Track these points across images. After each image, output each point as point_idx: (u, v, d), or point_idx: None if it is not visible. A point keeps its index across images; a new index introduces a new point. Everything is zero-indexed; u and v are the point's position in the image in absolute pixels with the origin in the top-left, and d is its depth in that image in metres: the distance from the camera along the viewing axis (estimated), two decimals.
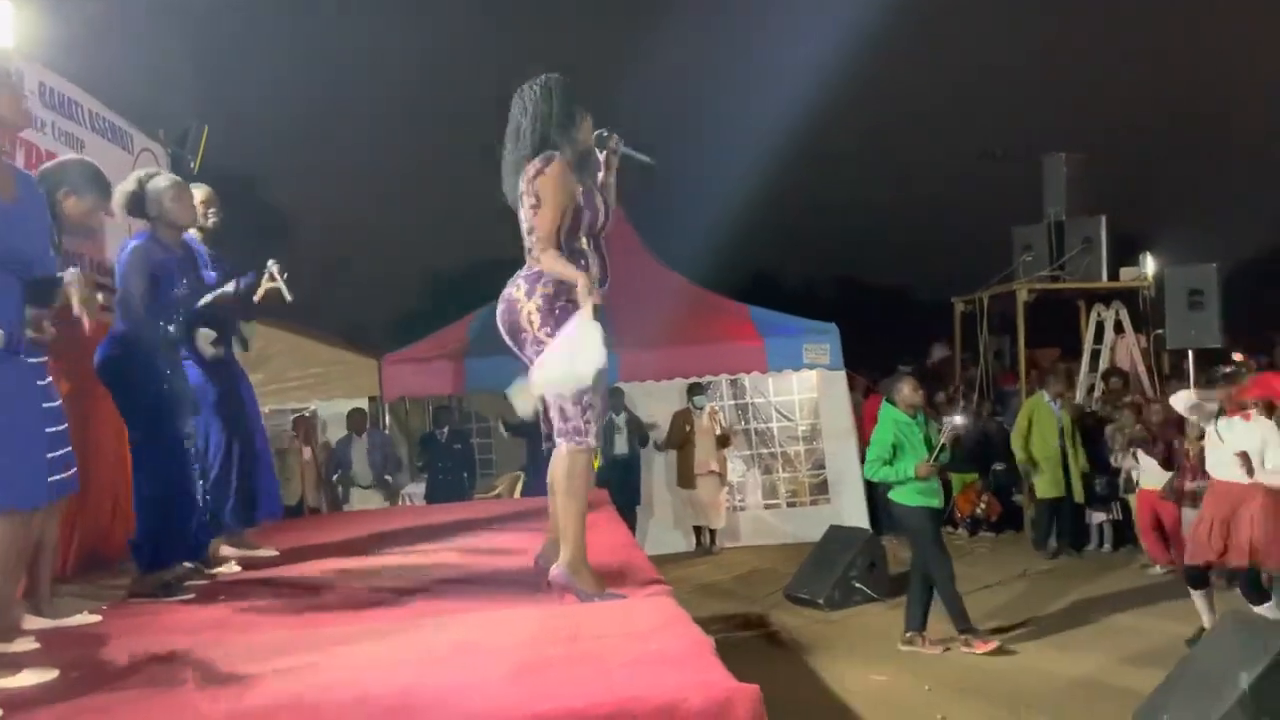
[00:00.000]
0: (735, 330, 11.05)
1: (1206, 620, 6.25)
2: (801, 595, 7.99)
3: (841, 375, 10.95)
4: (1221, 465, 6.08)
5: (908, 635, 6.63)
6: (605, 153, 3.64)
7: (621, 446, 10.11)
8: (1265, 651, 4.56)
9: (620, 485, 9.48)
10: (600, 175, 3.66)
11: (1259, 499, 5.86)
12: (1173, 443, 7.75)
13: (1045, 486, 9.43)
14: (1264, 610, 5.88)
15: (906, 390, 6.69)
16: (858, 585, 7.90)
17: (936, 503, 6.63)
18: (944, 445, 6.65)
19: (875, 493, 10.80)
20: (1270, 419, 6.10)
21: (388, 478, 10.08)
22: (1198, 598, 6.36)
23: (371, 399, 10.30)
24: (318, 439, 10.00)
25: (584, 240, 3.50)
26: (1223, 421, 6.14)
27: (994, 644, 6.42)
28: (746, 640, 7.08)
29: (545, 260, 3.37)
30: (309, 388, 9.93)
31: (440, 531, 5.27)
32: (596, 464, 10.09)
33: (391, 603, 3.61)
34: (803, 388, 11.11)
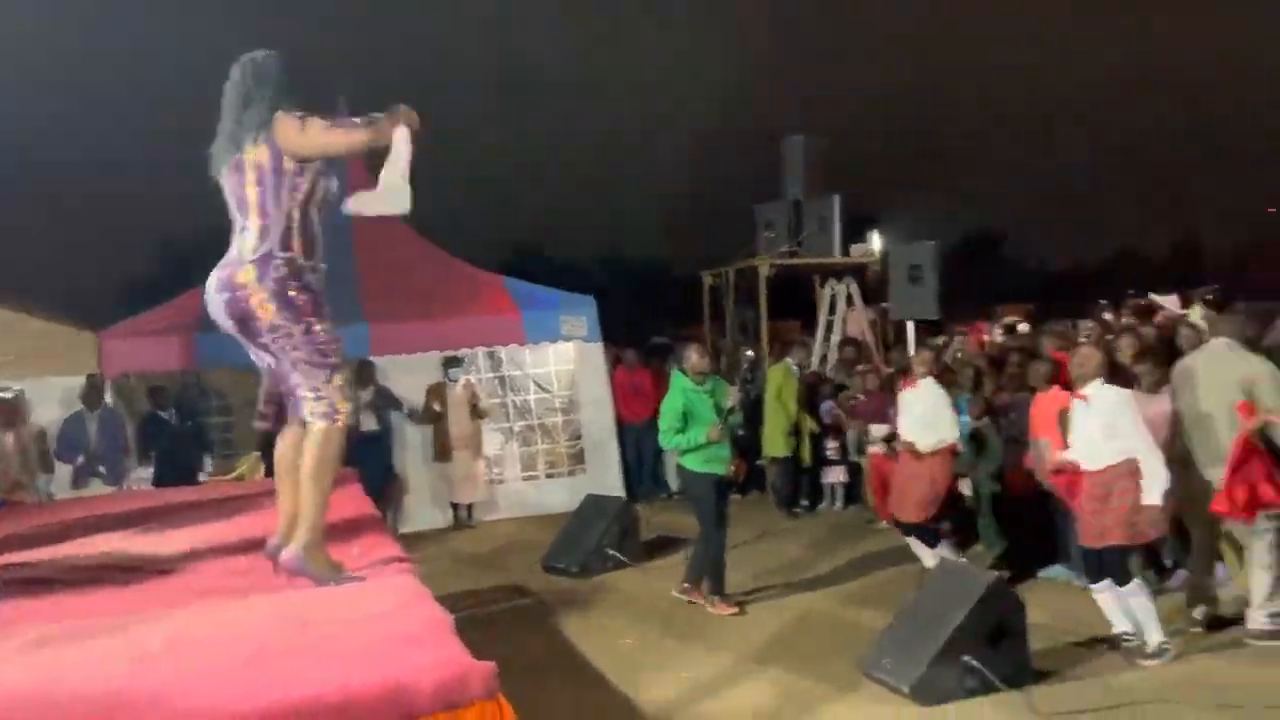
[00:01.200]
0: (491, 302, 10.96)
1: (927, 561, 6.88)
2: (557, 565, 8.07)
3: (599, 347, 11.11)
4: (903, 425, 6.75)
5: (684, 585, 6.88)
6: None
7: (371, 422, 9.79)
8: (971, 595, 5.05)
9: (370, 462, 9.19)
10: None
11: (931, 463, 6.59)
12: (887, 408, 8.40)
13: (780, 445, 9.96)
14: (942, 550, 6.61)
15: (694, 357, 6.80)
16: (611, 552, 8.07)
17: (722, 470, 6.81)
18: (733, 407, 6.84)
19: (630, 460, 11.16)
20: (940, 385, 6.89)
21: (115, 462, 9.27)
22: (914, 543, 6.98)
23: (90, 377, 9.39)
24: (25, 422, 9.01)
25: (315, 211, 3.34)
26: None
27: (735, 609, 6.74)
28: (502, 613, 7.07)
29: (322, 133, 3.23)
30: (11, 365, 8.92)
31: (167, 516, 4.89)
32: None
33: (107, 596, 3.31)
34: (560, 360, 11.17)
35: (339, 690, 2.18)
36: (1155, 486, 5.14)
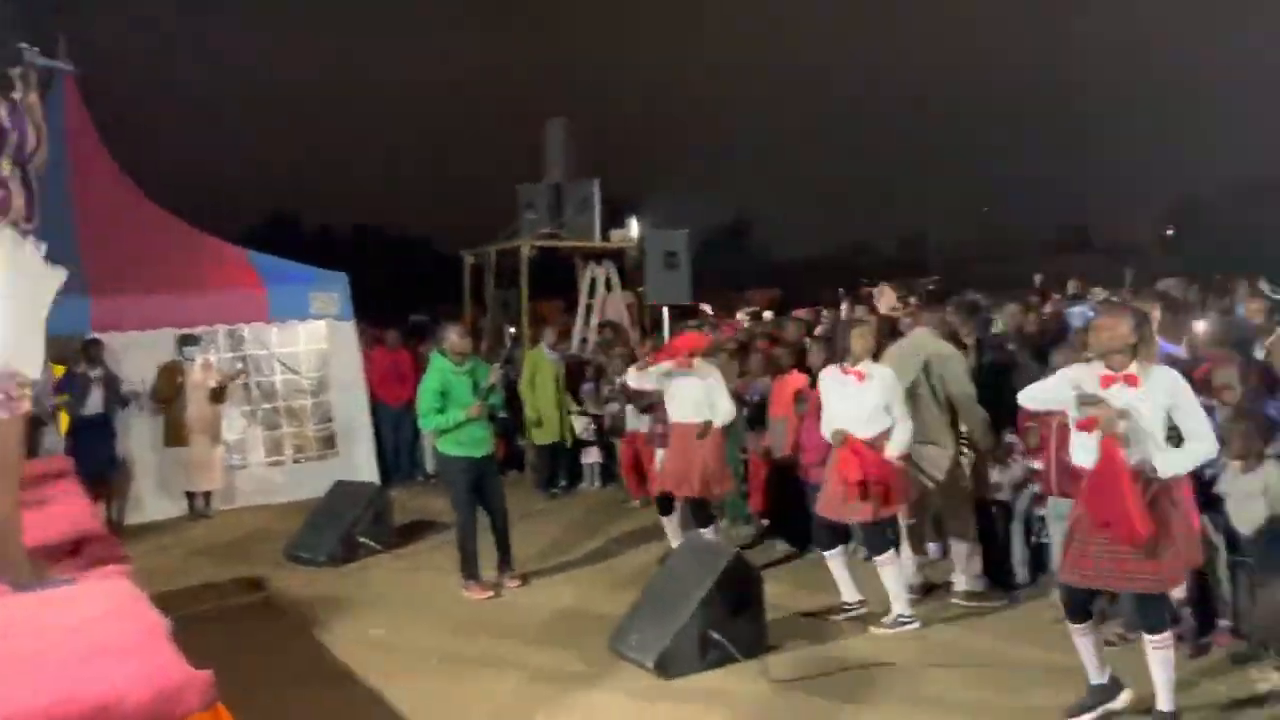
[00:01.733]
0: (234, 277, 10.29)
1: (674, 542, 7.10)
2: (302, 555, 7.72)
3: (351, 326, 10.70)
4: (678, 407, 6.89)
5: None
6: (21, 68, 3.09)
7: (95, 405, 8.98)
8: (713, 570, 5.27)
9: (91, 450, 8.44)
10: (18, 94, 3.09)
11: (711, 440, 6.75)
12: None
13: (544, 433, 10.02)
14: (708, 533, 6.84)
15: (454, 338, 6.67)
16: (362, 540, 7.81)
17: (478, 452, 6.69)
18: (493, 385, 6.73)
19: (386, 443, 10.84)
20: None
21: None
22: (667, 523, 7.19)
23: None
24: None
25: (6, 165, 2.97)
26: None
27: (490, 593, 6.71)
28: (239, 608, 6.69)
29: None
30: None
31: None
32: (65, 427, 8.92)
33: None
34: (310, 339, 10.66)
35: (41, 709, 1.97)
36: (895, 448, 5.57)
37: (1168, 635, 4.11)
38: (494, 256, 12.64)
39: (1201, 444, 4.03)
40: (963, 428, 6.06)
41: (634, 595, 5.81)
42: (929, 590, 6.21)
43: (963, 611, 5.91)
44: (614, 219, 12.84)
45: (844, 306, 14.36)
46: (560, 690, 5.05)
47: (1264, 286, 9.29)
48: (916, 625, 5.65)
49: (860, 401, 5.58)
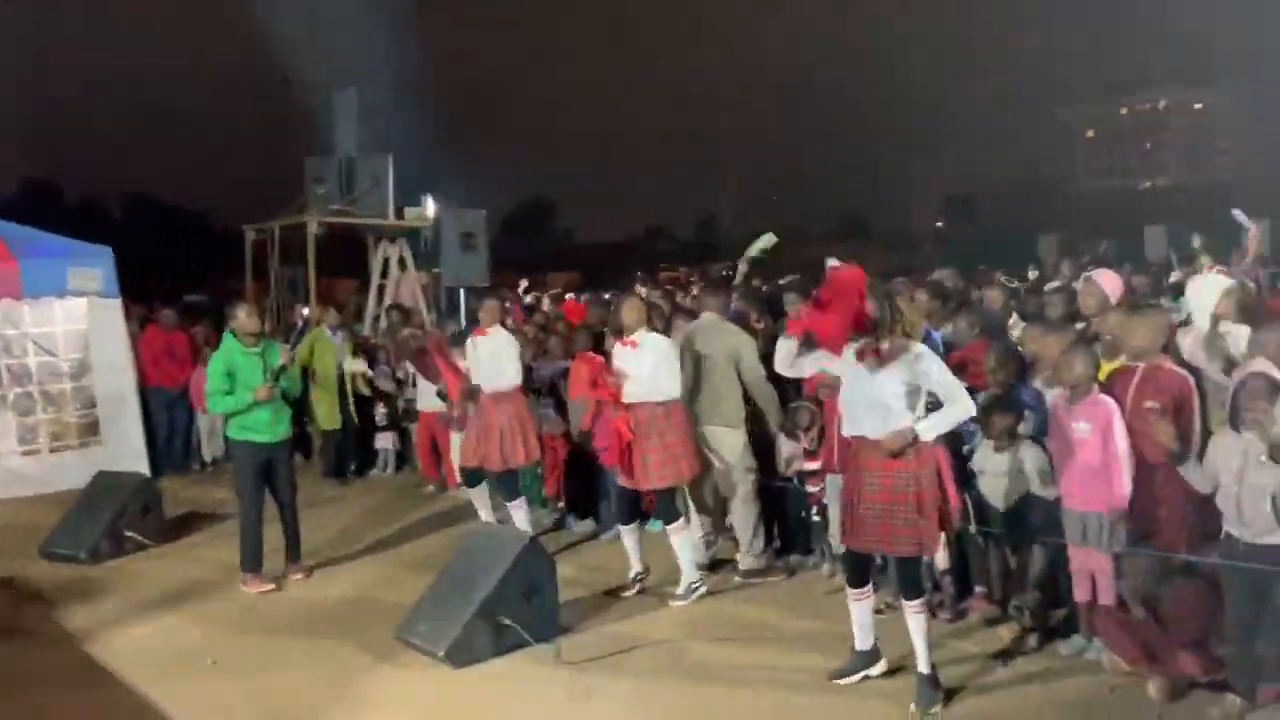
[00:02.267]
0: None
1: (483, 514, 7.02)
2: (60, 551, 7.12)
3: (117, 304, 9.92)
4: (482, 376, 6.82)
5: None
6: None
7: None
8: (505, 557, 5.23)
9: None
10: None
11: (508, 409, 6.70)
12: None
13: (327, 418, 9.65)
14: (516, 507, 6.81)
15: (243, 317, 6.39)
16: (128, 534, 7.28)
17: (267, 437, 6.38)
18: (283, 366, 6.41)
19: (160, 430, 10.15)
20: None
21: None
22: (475, 496, 7.07)
23: None
24: None
25: None
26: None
27: (271, 586, 6.41)
28: None
29: None
30: None
31: None
32: None
33: None
34: (70, 318, 9.80)
35: None
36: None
37: (923, 600, 4.45)
38: (278, 232, 12.02)
39: (955, 406, 4.37)
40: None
41: (426, 583, 5.69)
42: (715, 567, 6.41)
43: (744, 586, 6.13)
44: (410, 197, 12.49)
45: (642, 290, 14.62)
46: (343, 686, 4.89)
47: (1001, 278, 10.18)
48: (703, 590, 5.89)
49: (636, 365, 5.80)
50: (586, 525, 7.49)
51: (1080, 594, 4.81)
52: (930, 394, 4.41)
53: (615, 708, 4.64)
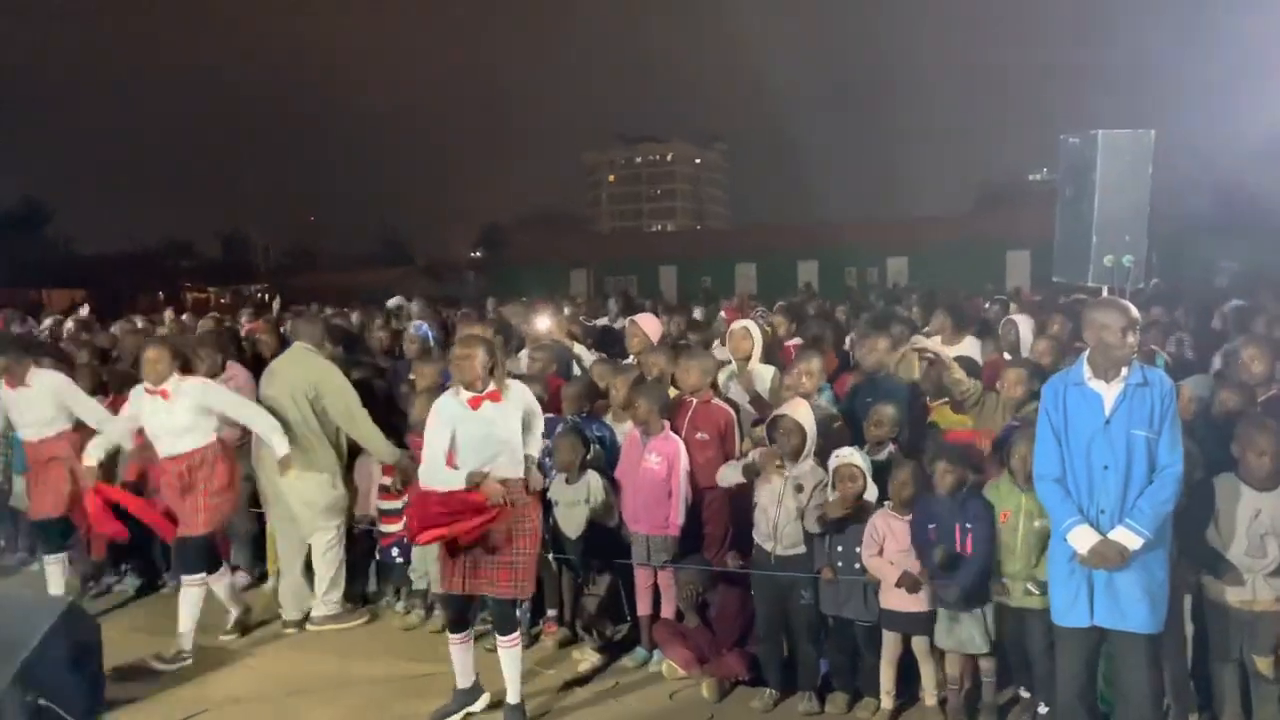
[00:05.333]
0: None
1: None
2: None
3: None
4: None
5: None
6: None
7: None
8: (36, 629, 4.47)
9: None
10: None
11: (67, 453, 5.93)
12: None
13: None
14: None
15: None
16: None
17: None
18: None
19: None
20: None
21: None
22: None
23: None
24: None
25: None
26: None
27: None
28: None
29: None
30: None
31: None
32: None
33: None
34: None
35: None
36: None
37: (516, 635, 4.64)
38: None
39: (538, 442, 4.71)
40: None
41: None
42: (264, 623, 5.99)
43: (318, 635, 5.83)
44: None
45: (169, 315, 13.38)
46: None
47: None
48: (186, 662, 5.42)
49: (170, 417, 5.37)
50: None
51: (643, 609, 5.29)
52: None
53: None
